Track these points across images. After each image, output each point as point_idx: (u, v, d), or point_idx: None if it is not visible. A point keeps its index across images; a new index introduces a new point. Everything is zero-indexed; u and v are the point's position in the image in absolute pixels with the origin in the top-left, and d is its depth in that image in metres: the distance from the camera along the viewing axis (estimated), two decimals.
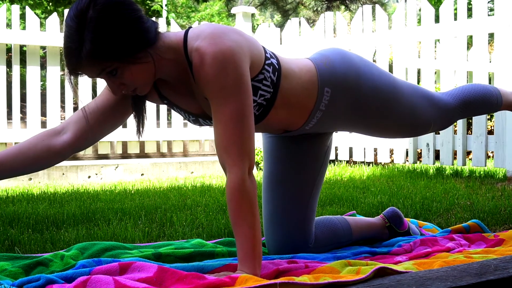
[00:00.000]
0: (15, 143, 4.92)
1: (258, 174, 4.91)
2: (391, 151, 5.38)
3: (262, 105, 1.72)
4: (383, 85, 1.91)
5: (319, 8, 13.70)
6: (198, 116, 1.76)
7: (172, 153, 5.77)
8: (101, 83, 5.09)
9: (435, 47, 5.90)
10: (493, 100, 2.14)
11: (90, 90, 5.23)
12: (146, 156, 5.58)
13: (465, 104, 2.08)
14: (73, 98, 5.10)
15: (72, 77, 1.57)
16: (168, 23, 8.20)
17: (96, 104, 1.74)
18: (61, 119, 5.63)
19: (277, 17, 17.65)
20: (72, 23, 1.50)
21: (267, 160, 2.02)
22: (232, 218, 1.56)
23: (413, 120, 2.00)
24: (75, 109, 7.71)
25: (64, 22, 1.54)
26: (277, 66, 1.73)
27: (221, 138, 1.56)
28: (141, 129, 1.72)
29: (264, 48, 1.73)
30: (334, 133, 5.48)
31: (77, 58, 1.51)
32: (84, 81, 5.15)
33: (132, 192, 3.69)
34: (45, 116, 5.21)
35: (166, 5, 14.67)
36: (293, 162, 1.97)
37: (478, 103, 2.11)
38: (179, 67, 1.63)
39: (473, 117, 4.32)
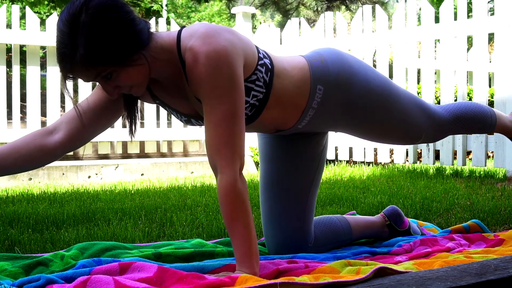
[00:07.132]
0: None
1: (258, 174, 4.90)
2: (391, 151, 5.38)
3: (254, 106, 1.71)
4: (377, 88, 1.89)
5: (319, 8, 13.69)
6: (190, 116, 1.75)
7: (172, 153, 5.76)
8: None
9: (435, 47, 5.89)
10: (487, 120, 2.15)
11: (90, 90, 5.23)
12: (146, 156, 5.58)
13: (458, 119, 2.09)
14: (73, 97, 5.10)
15: (66, 81, 1.56)
16: (168, 23, 8.19)
17: (88, 103, 1.72)
18: None
19: (278, 17, 17.65)
20: (64, 28, 1.48)
21: (263, 161, 2.02)
22: (226, 218, 1.56)
23: (405, 127, 1.99)
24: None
25: (56, 26, 1.53)
26: (270, 66, 1.72)
27: (212, 139, 1.56)
28: (133, 129, 1.71)
29: (257, 48, 1.72)
30: (334, 133, 5.49)
31: (71, 64, 1.49)
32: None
33: (132, 192, 3.69)
34: (45, 116, 5.21)
35: (166, 5, 14.67)
36: (289, 162, 1.97)
37: (471, 120, 2.11)
38: (172, 67, 1.62)
39: None
